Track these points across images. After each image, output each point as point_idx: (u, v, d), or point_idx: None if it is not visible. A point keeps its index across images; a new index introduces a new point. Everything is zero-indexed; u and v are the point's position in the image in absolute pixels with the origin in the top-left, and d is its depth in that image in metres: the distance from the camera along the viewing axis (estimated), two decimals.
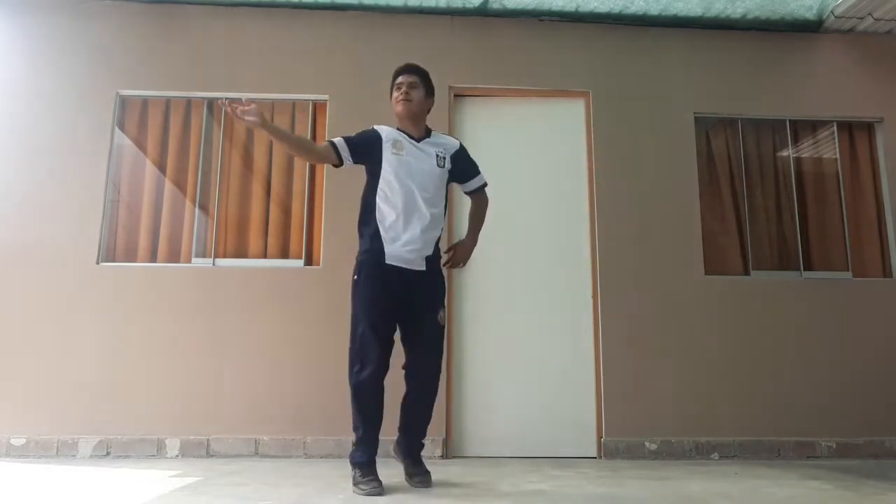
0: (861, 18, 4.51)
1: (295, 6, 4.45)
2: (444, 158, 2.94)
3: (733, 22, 4.58)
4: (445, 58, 4.43)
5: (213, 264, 4.18)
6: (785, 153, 4.62)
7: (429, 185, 2.85)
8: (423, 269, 2.83)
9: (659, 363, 4.12)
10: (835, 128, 4.61)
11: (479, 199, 3.14)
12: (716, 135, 4.62)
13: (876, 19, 4.50)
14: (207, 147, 4.36)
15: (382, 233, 2.80)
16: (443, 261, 3.00)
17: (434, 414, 2.99)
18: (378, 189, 2.84)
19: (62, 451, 3.82)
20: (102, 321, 3.99)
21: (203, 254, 4.23)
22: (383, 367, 2.78)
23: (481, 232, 3.14)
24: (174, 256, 4.23)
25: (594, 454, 4.03)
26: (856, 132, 4.67)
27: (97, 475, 3.21)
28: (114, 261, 4.17)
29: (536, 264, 4.28)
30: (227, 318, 4.03)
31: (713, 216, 4.48)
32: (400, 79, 3.01)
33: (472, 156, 3.08)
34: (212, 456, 3.84)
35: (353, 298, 2.83)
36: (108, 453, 3.83)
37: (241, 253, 4.26)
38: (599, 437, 4.04)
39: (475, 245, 3.12)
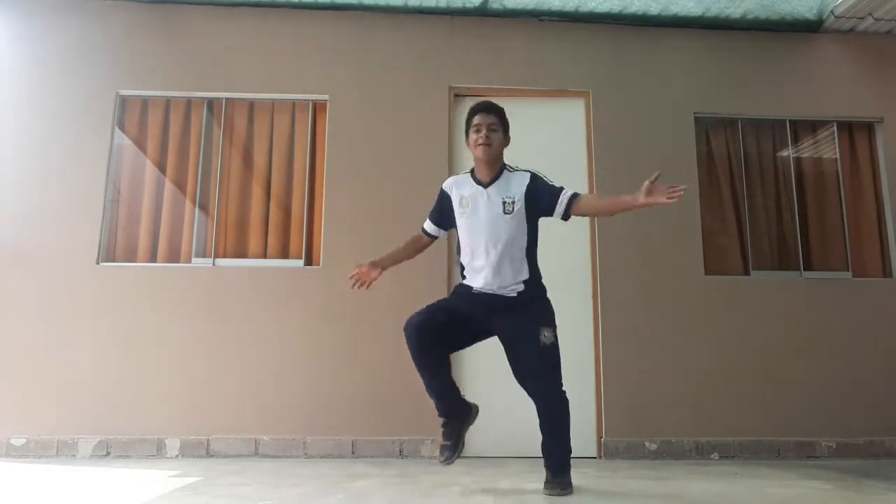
0: (861, 18, 4.51)
1: (295, 6, 4.45)
2: (513, 203, 2.81)
3: (733, 22, 4.58)
4: (445, 58, 4.43)
5: (213, 264, 4.17)
6: (785, 153, 4.62)
7: (498, 232, 2.79)
8: (514, 296, 2.83)
9: (659, 363, 4.12)
10: (835, 128, 4.61)
11: (588, 201, 2.89)
12: (716, 135, 4.62)
13: (876, 19, 4.50)
14: (207, 147, 4.36)
15: (468, 276, 2.91)
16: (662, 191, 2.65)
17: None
18: (460, 243, 2.93)
19: (62, 451, 3.82)
20: (102, 321, 3.99)
21: (203, 254, 4.23)
22: (433, 327, 2.77)
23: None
24: (174, 256, 4.23)
25: (594, 454, 4.03)
26: (856, 132, 4.67)
27: (97, 475, 3.21)
28: (114, 261, 4.17)
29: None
30: (227, 317, 4.03)
31: (713, 216, 4.48)
32: (477, 119, 2.89)
33: (548, 180, 2.89)
34: (212, 456, 3.84)
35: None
36: (108, 453, 3.83)
37: (241, 253, 4.26)
38: (599, 437, 4.04)
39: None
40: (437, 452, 2.92)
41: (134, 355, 3.96)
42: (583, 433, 4.05)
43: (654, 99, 4.48)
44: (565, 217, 2.84)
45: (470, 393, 4.06)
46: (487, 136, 2.83)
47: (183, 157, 4.38)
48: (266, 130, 4.43)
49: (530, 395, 2.84)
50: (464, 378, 4.08)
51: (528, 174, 2.87)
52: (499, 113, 2.93)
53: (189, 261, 4.19)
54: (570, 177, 4.38)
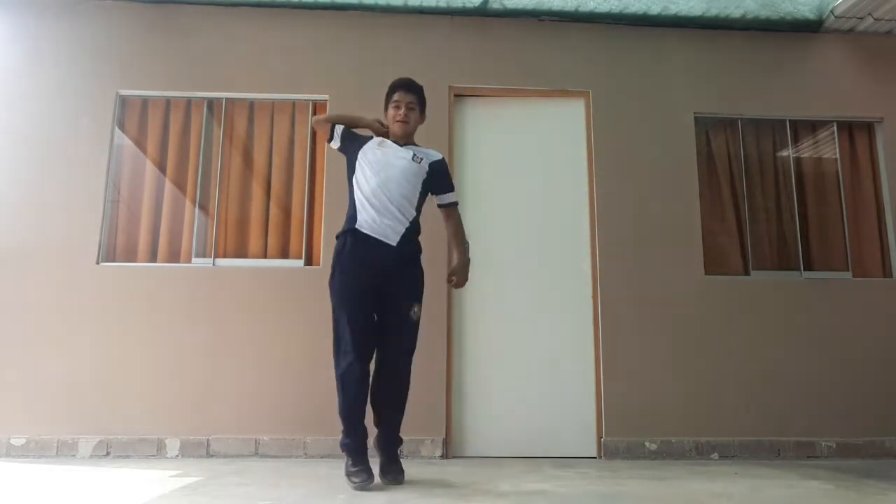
0: (861, 18, 4.51)
1: (295, 6, 4.45)
2: (421, 160, 3.10)
3: (733, 22, 4.58)
4: (445, 58, 4.43)
5: (213, 264, 4.17)
6: (785, 153, 4.62)
7: (405, 175, 3.03)
8: (396, 244, 2.96)
9: (659, 363, 4.12)
10: (835, 128, 4.61)
11: (451, 216, 3.21)
12: (716, 135, 4.62)
13: (876, 19, 4.50)
14: (207, 147, 4.36)
15: (359, 209, 3.03)
16: (449, 282, 3.18)
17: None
18: (355, 178, 3.09)
19: (62, 451, 3.82)
20: (102, 321, 3.99)
21: (203, 254, 4.23)
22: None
23: (470, 249, 3.21)
24: (174, 256, 4.23)
25: (594, 454, 4.03)
26: (856, 132, 4.67)
27: (97, 475, 3.21)
28: (114, 261, 4.17)
29: (536, 264, 4.28)
30: (227, 318, 4.03)
31: (713, 216, 4.47)
32: (397, 96, 3.15)
33: (450, 173, 3.25)
34: (212, 456, 3.84)
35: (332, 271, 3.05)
36: (108, 453, 3.83)
37: (241, 253, 4.26)
38: (599, 437, 4.04)
39: (468, 262, 3.17)
40: (351, 482, 2.88)
41: (134, 355, 3.96)
42: (583, 433, 4.06)
43: (654, 99, 4.48)
44: (440, 204, 3.20)
45: (470, 393, 4.07)
46: (406, 115, 3.12)
47: (183, 157, 4.38)
48: (266, 130, 4.43)
49: (388, 361, 2.99)
50: (464, 378, 4.08)
51: (440, 155, 3.20)
52: (418, 92, 3.18)
53: (189, 261, 4.19)
54: (571, 177, 4.40)
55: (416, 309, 3.00)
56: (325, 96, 4.37)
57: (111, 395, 3.90)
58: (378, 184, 2.99)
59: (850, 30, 4.66)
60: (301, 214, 4.30)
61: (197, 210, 4.28)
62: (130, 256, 4.21)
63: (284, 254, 4.27)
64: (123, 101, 4.38)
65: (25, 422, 3.85)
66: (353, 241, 2.98)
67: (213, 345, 4.00)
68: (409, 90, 3.15)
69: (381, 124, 3.25)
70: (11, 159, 4.18)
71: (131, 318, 4.00)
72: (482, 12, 4.50)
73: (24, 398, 3.88)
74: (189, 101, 4.42)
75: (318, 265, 4.16)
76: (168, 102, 4.42)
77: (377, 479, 2.92)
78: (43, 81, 4.29)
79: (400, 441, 3.09)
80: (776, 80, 4.58)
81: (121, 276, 4.07)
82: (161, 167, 4.36)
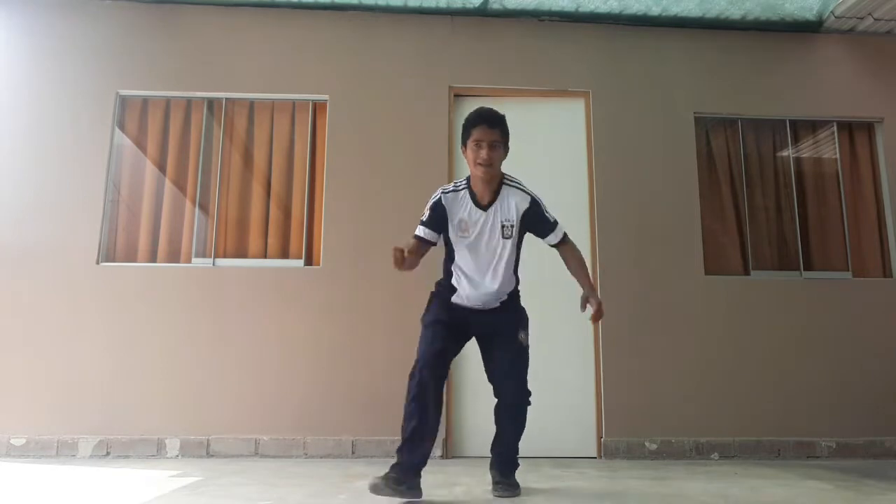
0: (861, 18, 4.51)
1: (295, 6, 4.45)
2: (512, 226, 2.73)
3: (733, 23, 4.58)
4: (445, 58, 4.43)
5: (213, 264, 4.17)
6: (785, 153, 4.62)
7: (498, 258, 2.74)
8: (497, 306, 2.80)
9: (659, 363, 4.12)
10: (835, 128, 4.61)
11: (566, 251, 2.90)
12: (716, 135, 4.62)
13: (876, 19, 4.50)
14: (207, 147, 4.36)
15: (457, 287, 2.79)
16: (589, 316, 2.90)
17: None
18: (455, 255, 2.79)
19: (62, 451, 3.82)
20: (102, 321, 3.99)
21: (203, 254, 4.23)
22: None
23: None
24: (174, 256, 4.23)
25: (594, 454, 4.03)
26: (856, 132, 4.67)
27: (97, 475, 3.21)
28: (114, 261, 4.17)
29: (536, 264, 4.27)
30: (227, 318, 4.03)
31: (713, 216, 4.47)
32: (478, 133, 2.69)
33: (545, 208, 2.83)
34: (212, 456, 3.84)
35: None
36: (108, 453, 3.83)
37: (241, 253, 4.26)
38: (599, 437, 4.04)
39: (597, 293, 2.95)
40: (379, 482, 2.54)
41: (134, 355, 3.96)
42: (583, 433, 4.06)
43: (654, 99, 4.48)
44: (550, 245, 2.88)
45: (470, 393, 4.07)
46: (489, 156, 2.66)
47: (183, 157, 4.38)
48: (266, 130, 4.43)
49: (503, 393, 2.83)
50: (464, 378, 4.08)
51: (529, 198, 2.76)
52: (502, 126, 2.74)
53: (189, 261, 4.19)
54: (571, 177, 4.40)
55: (522, 335, 2.85)
56: (325, 96, 4.37)
57: (111, 395, 3.90)
58: (475, 269, 2.75)
59: (850, 30, 4.66)
60: (301, 214, 4.30)
61: (197, 210, 4.28)
62: (130, 256, 4.21)
63: (284, 254, 4.27)
64: (123, 101, 4.38)
65: (25, 422, 3.86)
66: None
67: (213, 345, 4.00)
68: (492, 125, 2.70)
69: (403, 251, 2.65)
70: (12, 159, 4.18)
71: (131, 318, 4.00)
72: (482, 12, 4.50)
73: (24, 398, 3.88)
74: (189, 101, 4.42)
75: (318, 265, 4.16)
76: (168, 102, 4.42)
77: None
78: (43, 81, 4.29)
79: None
80: (776, 80, 4.58)
81: (121, 276, 4.07)
82: (161, 167, 4.36)
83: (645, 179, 4.36)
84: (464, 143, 2.76)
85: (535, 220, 2.79)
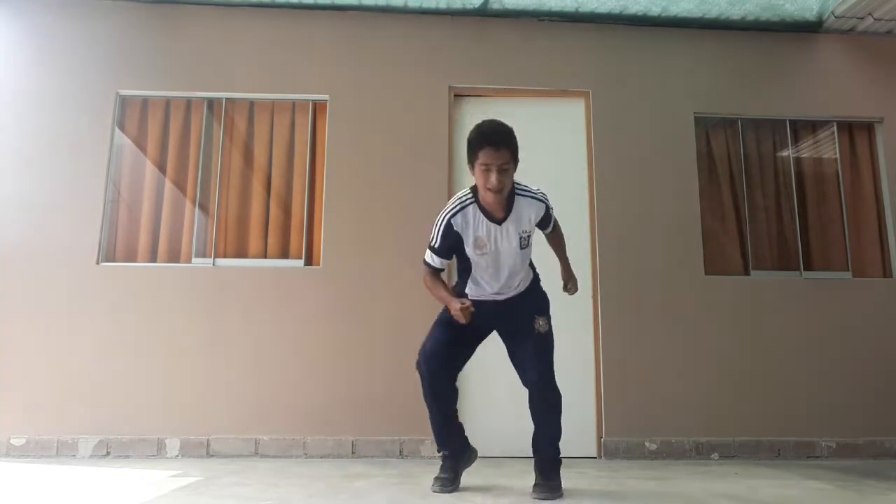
0: (861, 18, 4.51)
1: (295, 6, 4.45)
2: (529, 237, 2.74)
3: (733, 23, 4.58)
4: (445, 58, 4.43)
5: (213, 264, 4.17)
6: (785, 153, 4.62)
7: (516, 264, 2.76)
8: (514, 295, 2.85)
9: (659, 363, 4.12)
10: (835, 128, 4.61)
11: (554, 233, 2.98)
12: (716, 135, 4.62)
13: (876, 19, 4.50)
14: (207, 147, 4.36)
15: (474, 289, 2.83)
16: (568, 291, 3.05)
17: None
18: (472, 267, 2.79)
19: (62, 451, 3.82)
20: (102, 321, 3.99)
21: (203, 254, 4.23)
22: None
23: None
24: (174, 256, 4.23)
25: (594, 454, 4.03)
26: (856, 132, 4.67)
27: (97, 475, 3.21)
28: (114, 261, 4.17)
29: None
30: (227, 318, 4.03)
31: (713, 216, 4.47)
32: (485, 157, 2.51)
33: (552, 208, 2.84)
34: (212, 456, 3.84)
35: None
36: (108, 453, 3.83)
37: (242, 253, 4.26)
38: (599, 437, 4.04)
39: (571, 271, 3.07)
40: (432, 482, 2.85)
41: (134, 355, 3.96)
42: (583, 433, 4.05)
43: (654, 99, 4.48)
44: (547, 232, 2.96)
45: (470, 393, 4.07)
46: (500, 182, 2.51)
47: (183, 157, 4.38)
48: (266, 130, 4.43)
49: (530, 384, 2.83)
50: (464, 378, 4.07)
51: (543, 206, 2.74)
52: (509, 145, 2.54)
53: (189, 261, 4.19)
54: (571, 177, 4.40)
55: (541, 322, 2.93)
56: (325, 96, 4.37)
57: (111, 395, 3.90)
58: (493, 276, 2.76)
59: (850, 30, 4.66)
60: (301, 214, 4.30)
61: (197, 210, 4.28)
62: (130, 256, 4.21)
63: (284, 254, 4.27)
64: (123, 101, 4.38)
65: (25, 422, 3.85)
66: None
67: (212, 345, 4.00)
68: (498, 146, 2.50)
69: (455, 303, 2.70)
70: (12, 159, 4.18)
71: (131, 318, 4.00)
72: (482, 12, 4.50)
73: (24, 398, 3.88)
74: (189, 101, 4.42)
75: (318, 265, 4.16)
76: (168, 102, 4.42)
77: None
78: (43, 81, 4.29)
79: (559, 451, 2.91)
80: (776, 80, 4.58)
81: (121, 276, 4.07)
82: (161, 167, 4.36)
83: (645, 179, 4.36)
84: (470, 163, 2.61)
85: (545, 222, 2.84)
